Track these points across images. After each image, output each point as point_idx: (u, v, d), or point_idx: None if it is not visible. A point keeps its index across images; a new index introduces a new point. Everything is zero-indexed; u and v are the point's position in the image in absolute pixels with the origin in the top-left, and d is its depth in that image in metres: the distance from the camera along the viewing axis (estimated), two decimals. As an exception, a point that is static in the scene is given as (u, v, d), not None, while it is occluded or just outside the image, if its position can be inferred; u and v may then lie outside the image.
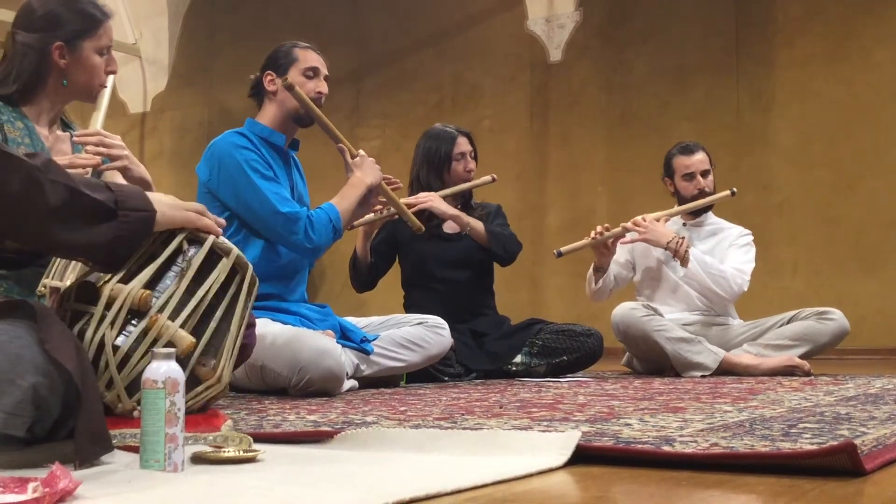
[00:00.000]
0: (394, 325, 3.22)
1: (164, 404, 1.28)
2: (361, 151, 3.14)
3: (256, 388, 2.83)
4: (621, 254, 4.06)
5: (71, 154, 2.14)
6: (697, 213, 4.06)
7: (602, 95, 6.56)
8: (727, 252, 4.00)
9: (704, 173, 4.02)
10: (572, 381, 3.42)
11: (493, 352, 3.70)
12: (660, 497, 1.20)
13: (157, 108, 8.20)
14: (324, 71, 3.09)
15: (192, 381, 1.67)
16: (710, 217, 4.11)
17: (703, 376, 3.58)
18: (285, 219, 2.92)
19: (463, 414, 2.04)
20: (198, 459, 1.37)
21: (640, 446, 1.45)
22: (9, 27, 2.18)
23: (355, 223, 3.40)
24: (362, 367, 3.01)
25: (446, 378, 3.46)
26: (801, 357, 3.68)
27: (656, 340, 3.68)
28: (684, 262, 3.84)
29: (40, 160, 1.43)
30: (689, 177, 4.01)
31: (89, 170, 2.06)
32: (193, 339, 1.63)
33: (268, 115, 3.08)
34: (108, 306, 1.59)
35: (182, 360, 1.53)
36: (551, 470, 1.34)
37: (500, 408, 2.21)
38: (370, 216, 3.40)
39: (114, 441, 1.42)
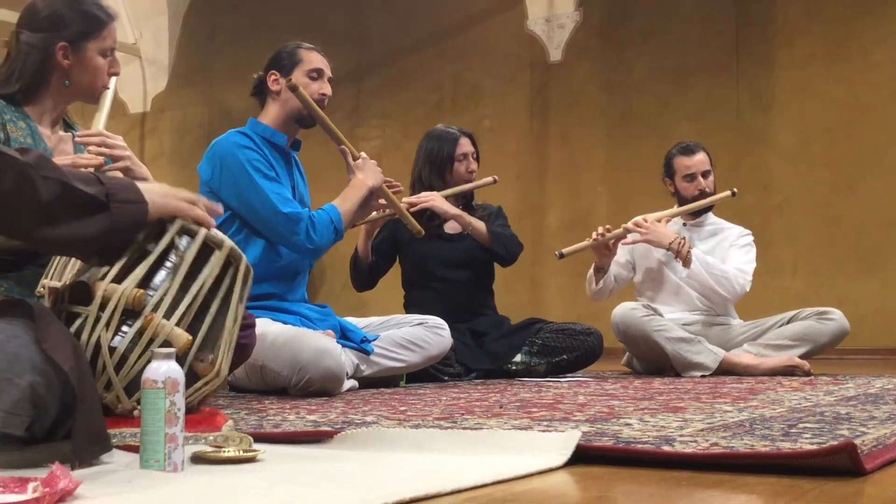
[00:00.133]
0: (394, 325, 3.22)
1: (163, 404, 1.28)
2: (363, 153, 3.14)
3: (256, 388, 2.83)
4: (621, 254, 4.06)
5: (73, 154, 2.14)
6: (698, 213, 4.06)
7: (602, 95, 6.56)
8: (728, 252, 4.00)
9: (705, 174, 4.02)
10: (572, 380, 3.42)
11: (493, 351, 3.70)
12: (660, 497, 1.20)
13: (157, 108, 8.20)
14: (328, 73, 3.09)
15: (191, 378, 1.66)
16: (710, 217, 4.11)
17: (703, 376, 3.58)
18: (287, 219, 2.92)
19: (463, 414, 2.04)
20: (198, 459, 1.37)
21: (640, 446, 1.45)
22: (10, 27, 2.18)
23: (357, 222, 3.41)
24: (362, 367, 3.01)
25: (446, 378, 3.46)
26: (801, 357, 3.68)
27: (656, 340, 3.68)
28: (686, 262, 3.83)
29: (32, 157, 1.43)
30: (690, 177, 4.01)
31: (91, 170, 2.06)
32: (189, 337, 1.62)
33: (270, 115, 3.08)
34: (102, 307, 1.57)
35: (179, 358, 1.52)
36: (551, 470, 1.34)
37: (500, 408, 2.21)
38: (373, 214, 3.40)
39: (113, 440, 1.42)
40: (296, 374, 2.69)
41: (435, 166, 3.85)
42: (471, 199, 3.98)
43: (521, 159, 6.71)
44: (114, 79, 2.25)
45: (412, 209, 3.56)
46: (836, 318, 3.79)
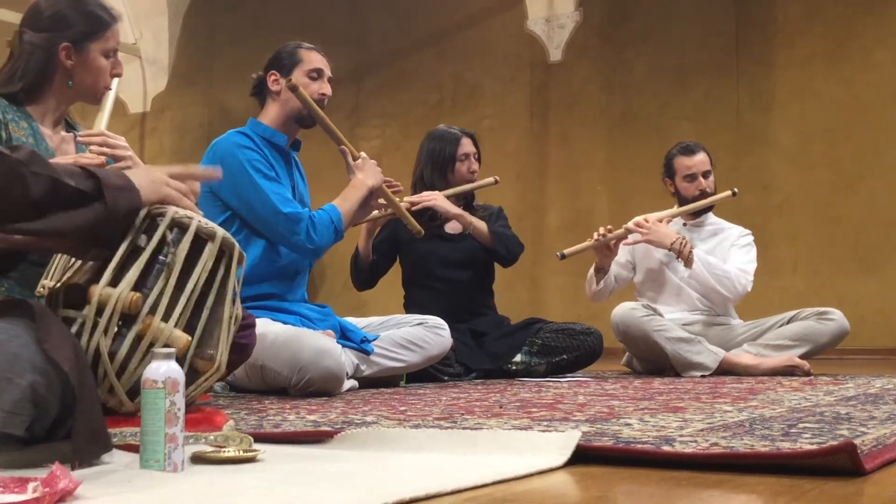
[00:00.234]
0: (394, 325, 3.22)
1: (163, 404, 1.28)
2: (363, 154, 3.15)
3: (256, 388, 2.83)
4: (621, 254, 4.06)
5: (75, 154, 2.15)
6: (698, 213, 4.06)
7: (602, 95, 6.56)
8: (729, 252, 4.00)
9: (706, 174, 4.02)
10: (572, 380, 3.42)
11: (493, 351, 3.70)
12: (660, 497, 1.20)
13: (157, 108, 8.20)
14: (328, 73, 3.09)
15: (192, 374, 1.66)
16: (711, 217, 4.11)
17: (703, 376, 3.58)
18: (287, 219, 2.92)
19: (463, 414, 2.04)
20: (198, 459, 1.37)
21: (640, 446, 1.45)
22: (10, 27, 2.18)
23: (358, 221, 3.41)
24: (362, 367, 3.01)
25: (446, 378, 3.46)
26: (801, 357, 3.68)
27: (656, 340, 3.68)
28: (688, 262, 3.83)
29: (23, 153, 1.43)
30: (691, 178, 4.01)
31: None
32: (189, 338, 1.61)
33: (270, 115, 3.08)
34: (98, 312, 1.56)
35: (179, 358, 1.52)
36: (551, 470, 1.34)
37: (500, 408, 2.21)
38: (374, 213, 3.40)
39: (114, 440, 1.42)
40: (296, 374, 2.69)
41: (437, 166, 3.86)
42: (472, 200, 3.98)
43: (521, 159, 6.71)
44: (116, 80, 2.25)
45: (413, 208, 3.56)
46: (836, 318, 3.79)
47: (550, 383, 3.26)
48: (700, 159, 4.01)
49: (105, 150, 2.13)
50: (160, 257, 1.62)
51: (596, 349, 3.79)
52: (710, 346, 3.69)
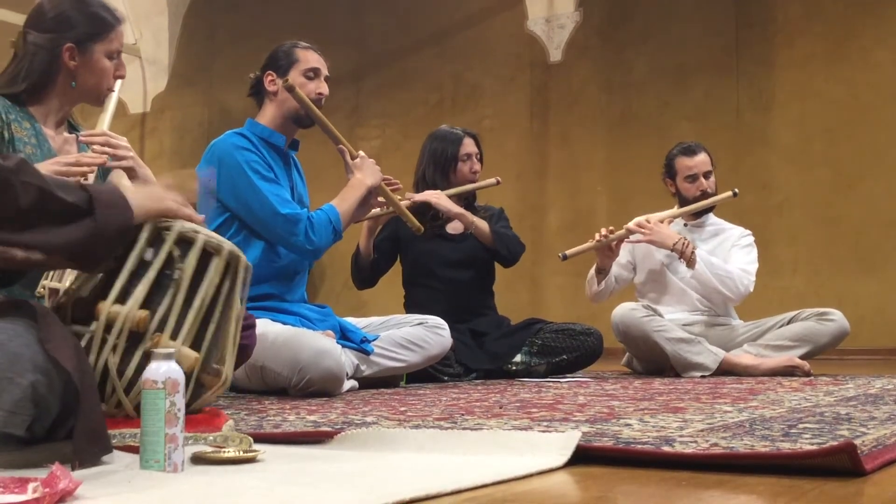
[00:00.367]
0: (394, 325, 3.22)
1: (163, 404, 1.28)
2: (361, 153, 3.14)
3: (256, 388, 2.83)
4: (622, 254, 4.05)
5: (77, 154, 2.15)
6: (699, 213, 4.05)
7: (602, 95, 6.57)
8: (730, 253, 4.00)
9: (707, 174, 4.02)
10: (572, 381, 3.42)
11: (493, 351, 3.70)
12: (660, 497, 1.20)
13: (157, 108, 8.20)
14: (324, 72, 3.09)
15: (198, 388, 1.66)
16: (711, 218, 4.11)
17: (703, 376, 3.58)
18: (285, 220, 2.92)
19: (463, 414, 2.04)
20: (198, 459, 1.37)
21: (640, 446, 1.45)
22: (10, 27, 2.18)
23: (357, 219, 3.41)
24: (362, 367, 3.01)
25: (446, 378, 3.46)
26: (801, 357, 3.68)
27: (656, 341, 3.68)
28: (691, 263, 3.83)
29: (12, 161, 1.42)
30: (692, 178, 4.00)
31: (95, 169, 2.06)
32: (197, 356, 1.61)
33: (268, 115, 3.08)
34: (107, 329, 1.55)
35: (187, 374, 1.51)
36: (551, 470, 1.34)
37: (500, 408, 2.21)
38: (376, 211, 3.40)
39: (113, 441, 1.42)
40: (296, 375, 2.69)
41: (439, 166, 3.87)
42: (473, 200, 3.99)
43: (521, 159, 6.71)
44: (119, 81, 2.25)
45: (414, 205, 3.56)
46: (836, 318, 3.79)
47: (550, 384, 3.26)
48: (701, 160, 4.01)
49: (107, 149, 2.13)
50: (167, 272, 1.61)
51: (596, 349, 3.79)
52: (710, 347, 3.69)
